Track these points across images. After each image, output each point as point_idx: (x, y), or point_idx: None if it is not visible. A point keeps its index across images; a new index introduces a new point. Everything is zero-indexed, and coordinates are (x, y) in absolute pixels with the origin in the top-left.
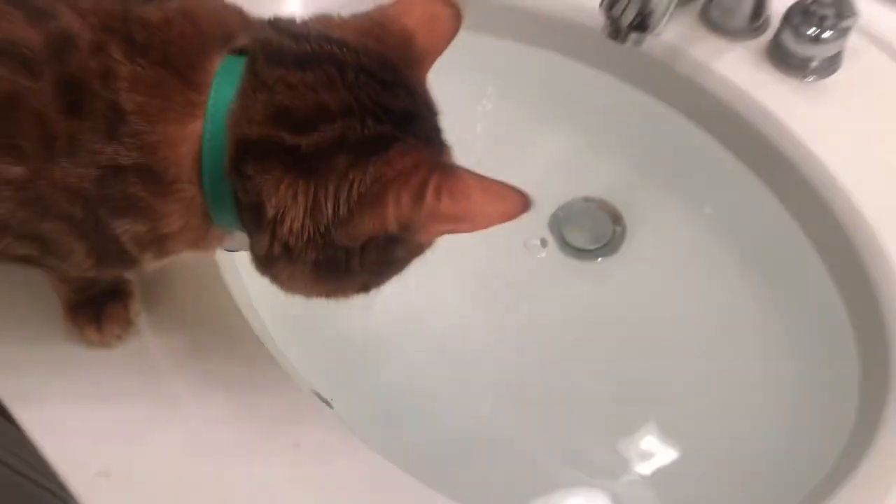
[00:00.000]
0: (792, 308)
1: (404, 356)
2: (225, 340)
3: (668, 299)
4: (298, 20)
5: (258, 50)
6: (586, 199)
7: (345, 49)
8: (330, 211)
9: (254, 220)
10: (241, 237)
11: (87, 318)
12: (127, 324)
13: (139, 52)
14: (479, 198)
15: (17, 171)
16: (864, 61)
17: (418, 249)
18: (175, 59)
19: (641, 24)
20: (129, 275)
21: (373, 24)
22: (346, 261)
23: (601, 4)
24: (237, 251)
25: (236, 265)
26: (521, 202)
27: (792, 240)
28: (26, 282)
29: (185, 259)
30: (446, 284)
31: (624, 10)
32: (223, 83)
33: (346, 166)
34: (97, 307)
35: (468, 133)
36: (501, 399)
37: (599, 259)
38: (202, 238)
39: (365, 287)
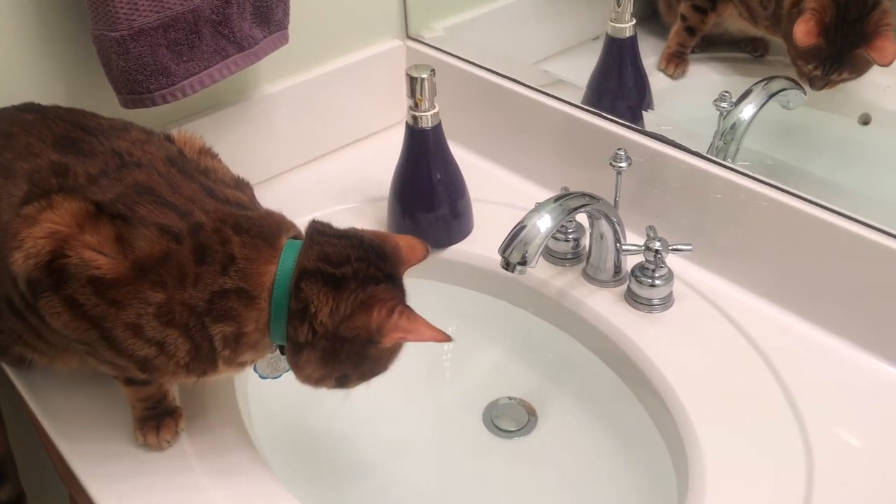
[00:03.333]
0: (641, 461)
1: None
2: (234, 447)
3: (562, 466)
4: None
5: (313, 230)
6: (510, 397)
7: (363, 236)
8: (342, 311)
9: (299, 317)
10: (272, 362)
11: (149, 429)
12: (175, 434)
13: (244, 231)
14: (421, 324)
15: (159, 296)
16: (687, 301)
17: (382, 356)
18: (264, 234)
19: (522, 260)
20: (192, 383)
21: (380, 234)
22: (339, 349)
23: (499, 249)
24: (266, 378)
25: (248, 402)
26: (443, 335)
27: (640, 419)
28: (117, 411)
29: (219, 384)
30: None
31: (511, 252)
32: (288, 249)
33: (355, 286)
34: (157, 421)
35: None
36: None
37: (516, 438)
38: (259, 342)
39: (343, 379)
